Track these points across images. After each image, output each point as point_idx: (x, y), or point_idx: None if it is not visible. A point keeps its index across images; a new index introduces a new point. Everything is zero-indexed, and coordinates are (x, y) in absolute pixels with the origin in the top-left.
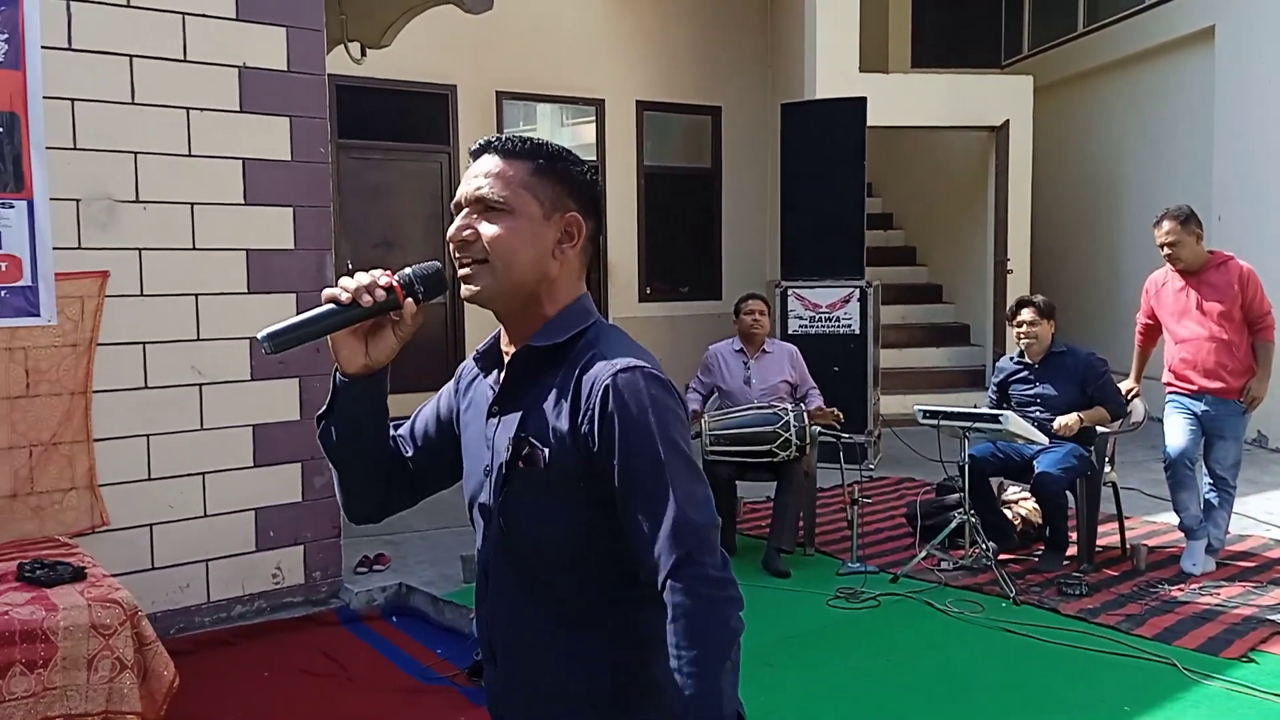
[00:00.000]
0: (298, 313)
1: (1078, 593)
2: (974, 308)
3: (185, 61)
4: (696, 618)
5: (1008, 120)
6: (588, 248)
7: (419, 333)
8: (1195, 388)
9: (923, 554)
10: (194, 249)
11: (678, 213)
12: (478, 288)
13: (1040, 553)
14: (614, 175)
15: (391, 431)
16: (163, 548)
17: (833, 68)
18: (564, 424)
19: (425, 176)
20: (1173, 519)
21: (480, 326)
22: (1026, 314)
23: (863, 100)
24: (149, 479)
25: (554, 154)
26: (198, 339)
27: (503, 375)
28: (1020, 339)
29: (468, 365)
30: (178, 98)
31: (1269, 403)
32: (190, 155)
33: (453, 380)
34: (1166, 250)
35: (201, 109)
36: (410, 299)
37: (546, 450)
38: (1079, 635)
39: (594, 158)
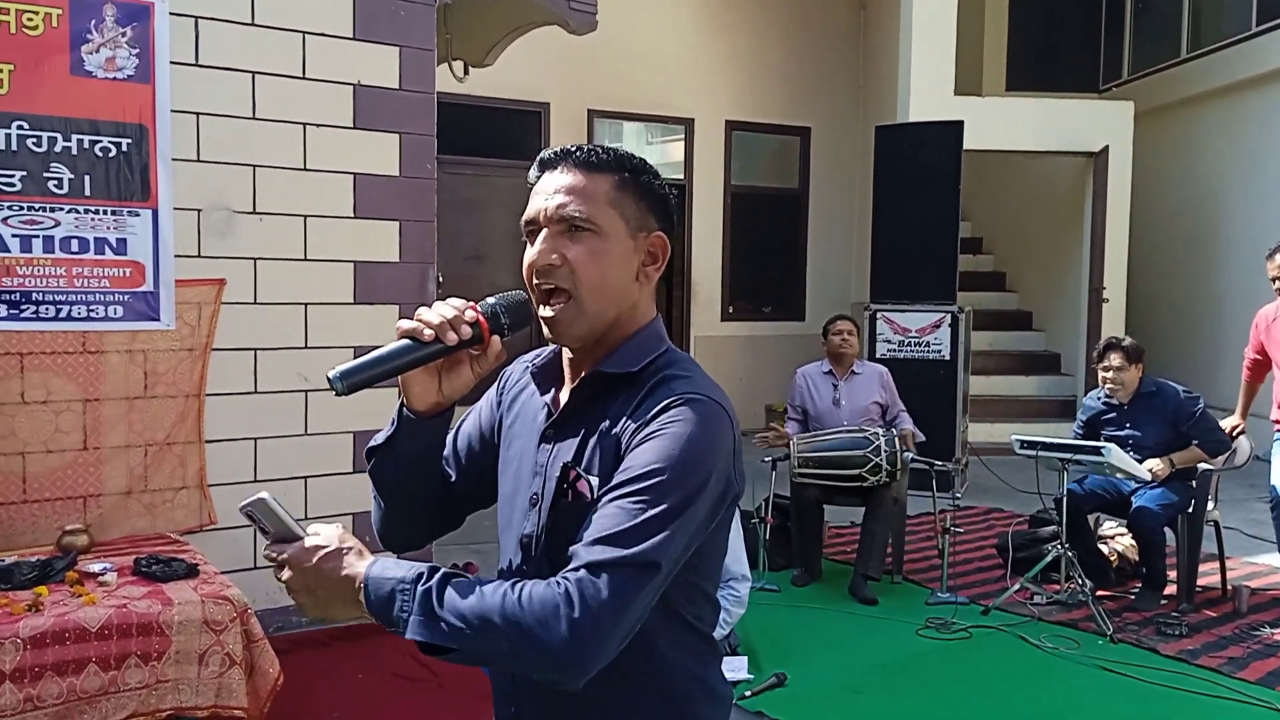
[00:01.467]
0: (398, 319)
1: (1177, 633)
2: (1065, 336)
3: (303, 79)
4: (541, 602)
5: (1107, 146)
6: (662, 266)
7: (516, 344)
8: None
9: (1016, 586)
10: (305, 259)
11: (763, 233)
12: (565, 325)
13: (1137, 590)
14: (701, 194)
15: None
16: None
17: (927, 90)
18: (617, 451)
19: (516, 192)
20: (1276, 560)
21: None
22: (1115, 359)
23: (960, 124)
24: (254, 480)
25: (637, 166)
26: (305, 347)
27: (564, 397)
28: (1105, 384)
29: (514, 375)
30: (295, 113)
31: None
32: (305, 169)
33: (494, 389)
34: (1279, 284)
35: (318, 124)
36: (495, 334)
37: (595, 479)
38: (1178, 676)
39: (681, 176)
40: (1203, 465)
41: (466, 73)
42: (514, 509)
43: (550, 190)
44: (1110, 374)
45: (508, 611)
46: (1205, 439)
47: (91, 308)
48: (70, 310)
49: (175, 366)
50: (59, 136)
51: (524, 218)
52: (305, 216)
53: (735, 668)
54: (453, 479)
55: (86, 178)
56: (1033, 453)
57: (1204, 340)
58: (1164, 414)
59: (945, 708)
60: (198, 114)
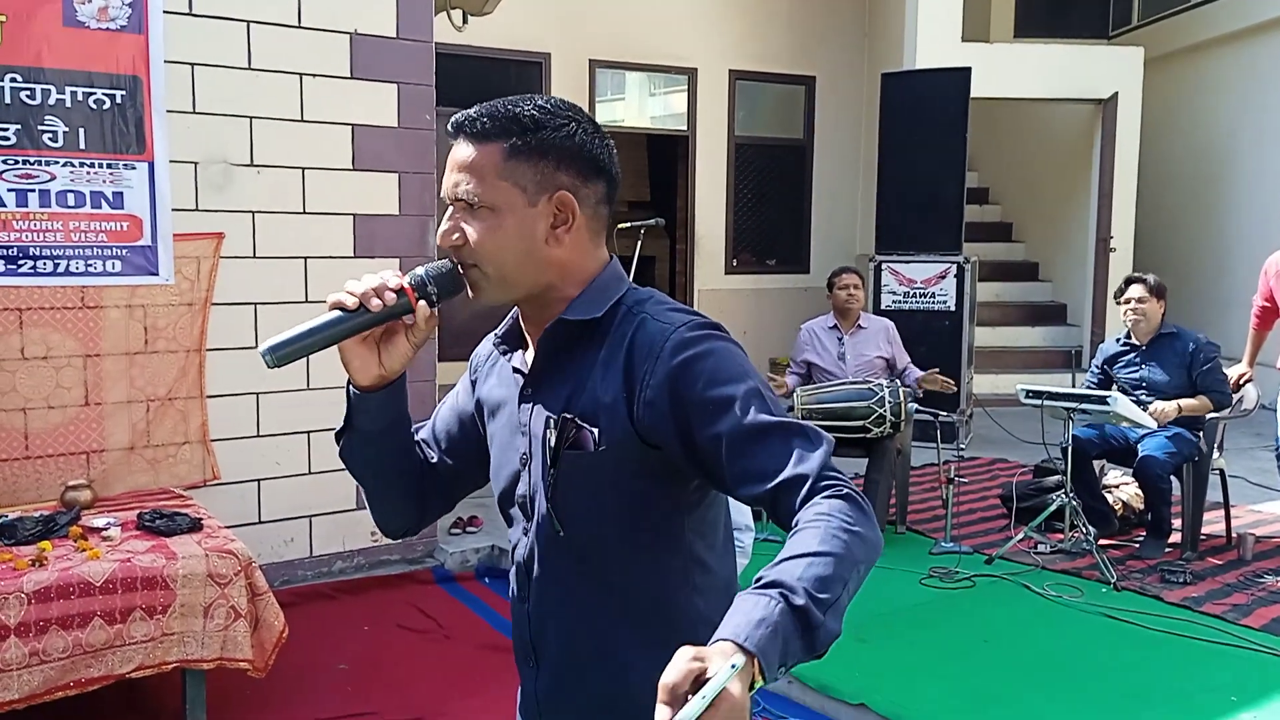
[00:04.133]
0: (400, 272)
1: (1181, 580)
2: (1072, 286)
3: (299, 28)
4: (852, 518)
5: (1116, 93)
6: (598, 212)
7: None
8: None
9: (1020, 536)
10: (304, 213)
11: (767, 184)
12: (482, 292)
13: (1141, 539)
14: (704, 146)
15: (415, 437)
16: (269, 503)
17: (934, 37)
18: (616, 395)
19: None
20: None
21: None
22: (1137, 290)
23: (967, 71)
24: (258, 435)
25: (529, 124)
26: (306, 300)
27: (531, 354)
28: (1128, 316)
29: (483, 352)
30: (292, 63)
31: None
32: (302, 120)
33: (467, 371)
34: None
35: (314, 74)
36: (423, 301)
37: (595, 430)
38: (1182, 624)
39: (684, 127)
40: (1209, 414)
41: (465, 21)
42: (506, 474)
43: (452, 166)
44: (1132, 305)
45: (849, 545)
46: (1212, 389)
47: (89, 262)
48: (68, 265)
49: (175, 321)
50: (53, 89)
51: (441, 198)
52: (303, 169)
53: None
54: (434, 460)
55: (81, 131)
56: (1038, 402)
57: (1212, 289)
58: (1182, 356)
59: (949, 656)
60: (192, 65)
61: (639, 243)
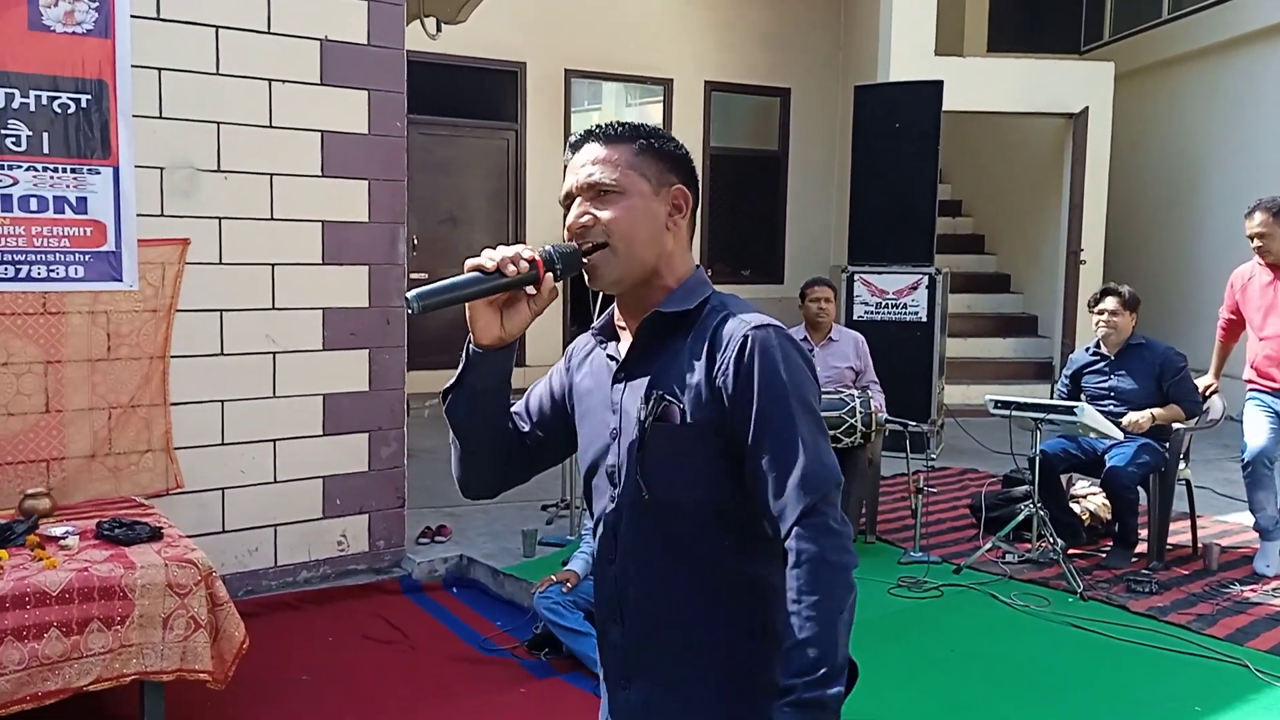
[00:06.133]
0: (369, 285)
1: (1147, 590)
2: (1043, 298)
3: (269, 33)
4: (819, 565)
5: (1087, 108)
6: (692, 219)
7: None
8: (1278, 386)
9: (988, 545)
10: (272, 219)
11: (743, 195)
12: (603, 273)
13: (1108, 549)
14: None
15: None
16: (233, 512)
17: (907, 50)
18: (700, 378)
19: (492, 153)
20: (1246, 519)
21: None
22: (1110, 302)
23: (939, 84)
24: (222, 444)
25: (652, 133)
26: (273, 308)
27: (628, 341)
28: (1099, 327)
29: (580, 343)
30: (261, 69)
31: None
32: (271, 126)
33: (563, 359)
34: (1257, 243)
35: (283, 80)
36: (549, 274)
37: (683, 405)
38: (1148, 633)
39: None
40: (1175, 425)
41: (439, 30)
42: (596, 448)
43: (579, 165)
44: (1104, 317)
45: (830, 602)
46: (1184, 398)
47: (52, 268)
48: (30, 270)
49: (139, 328)
50: (16, 93)
51: (560, 194)
52: (271, 175)
53: None
54: (525, 430)
55: (45, 135)
56: (1006, 412)
57: (1181, 302)
58: (1150, 367)
59: (917, 665)
60: (159, 69)
61: None
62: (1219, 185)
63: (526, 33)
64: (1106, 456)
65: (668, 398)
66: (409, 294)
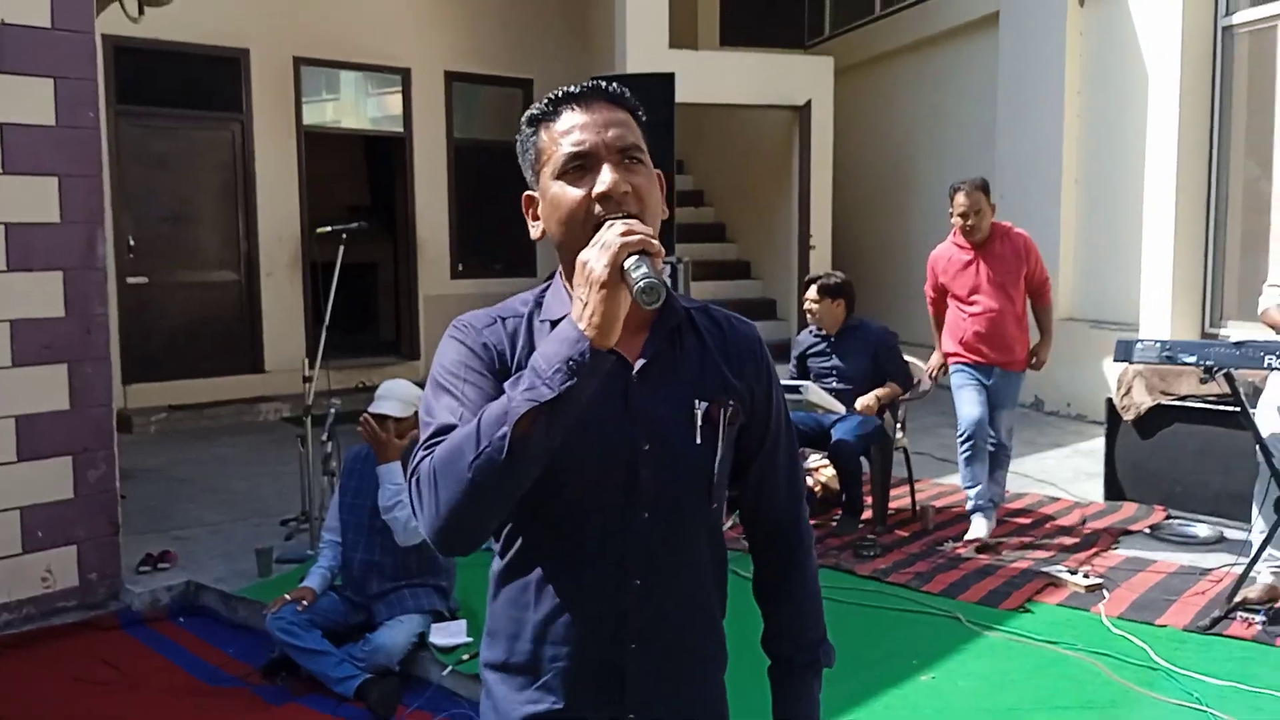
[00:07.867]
0: (65, 292)
1: (872, 554)
2: (780, 283)
3: None
4: (810, 555)
5: (810, 100)
6: None
7: (222, 311)
8: (986, 360)
9: (730, 524)
10: None
11: (490, 188)
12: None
13: (838, 518)
14: (422, 148)
15: None
16: None
17: (643, 43)
18: (738, 381)
19: (216, 146)
20: (959, 480)
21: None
22: (811, 291)
23: (671, 76)
24: None
25: (640, 106)
26: None
27: (650, 343)
28: (808, 314)
29: (489, 327)
30: None
31: (1044, 369)
32: None
33: (482, 362)
34: (968, 221)
35: None
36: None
37: (737, 408)
38: (873, 594)
39: (400, 129)
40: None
41: (141, 12)
42: (596, 466)
43: (599, 124)
44: (808, 305)
45: (814, 591)
46: (897, 373)
47: None
48: None
49: None
50: None
51: (570, 151)
52: None
53: (454, 632)
54: None
55: None
56: None
57: (899, 282)
58: (866, 345)
59: None
60: None
61: (341, 247)
62: (926, 170)
63: (249, 17)
64: (832, 430)
65: (731, 403)
66: (650, 282)
